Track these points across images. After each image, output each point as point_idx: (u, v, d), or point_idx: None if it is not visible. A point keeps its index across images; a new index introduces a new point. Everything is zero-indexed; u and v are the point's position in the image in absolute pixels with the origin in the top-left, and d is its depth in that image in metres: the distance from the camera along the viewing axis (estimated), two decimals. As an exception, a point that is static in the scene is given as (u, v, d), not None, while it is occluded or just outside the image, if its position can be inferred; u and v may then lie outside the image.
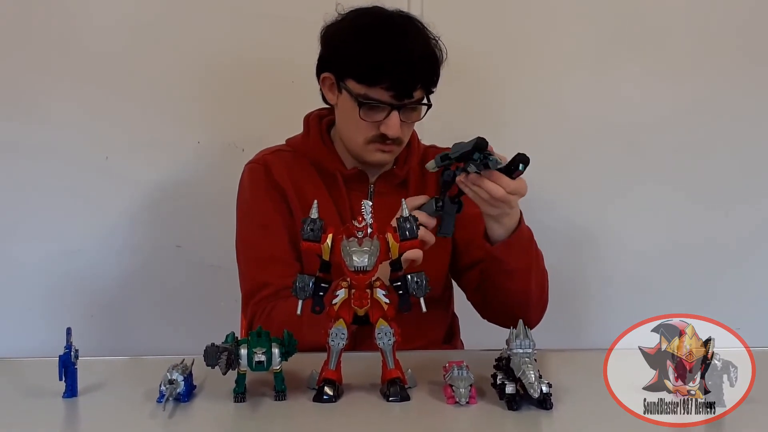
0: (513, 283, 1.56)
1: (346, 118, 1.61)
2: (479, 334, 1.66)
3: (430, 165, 1.46)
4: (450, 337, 1.77)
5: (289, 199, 1.64)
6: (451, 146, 1.43)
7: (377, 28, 1.55)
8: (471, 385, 1.21)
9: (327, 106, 1.70)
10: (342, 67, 1.58)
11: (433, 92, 1.59)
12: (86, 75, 2.14)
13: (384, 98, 1.53)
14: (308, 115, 1.72)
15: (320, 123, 1.70)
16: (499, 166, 1.39)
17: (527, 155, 1.39)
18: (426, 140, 1.78)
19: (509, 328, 1.24)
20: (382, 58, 1.51)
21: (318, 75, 1.64)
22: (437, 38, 1.59)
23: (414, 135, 1.71)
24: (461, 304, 1.76)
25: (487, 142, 1.39)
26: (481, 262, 1.61)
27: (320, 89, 1.66)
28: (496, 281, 1.58)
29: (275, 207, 1.65)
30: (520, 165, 1.39)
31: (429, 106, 1.59)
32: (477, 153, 1.38)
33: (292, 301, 1.26)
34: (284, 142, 1.74)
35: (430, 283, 1.24)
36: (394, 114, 1.55)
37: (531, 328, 1.23)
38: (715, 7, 2.22)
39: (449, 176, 1.44)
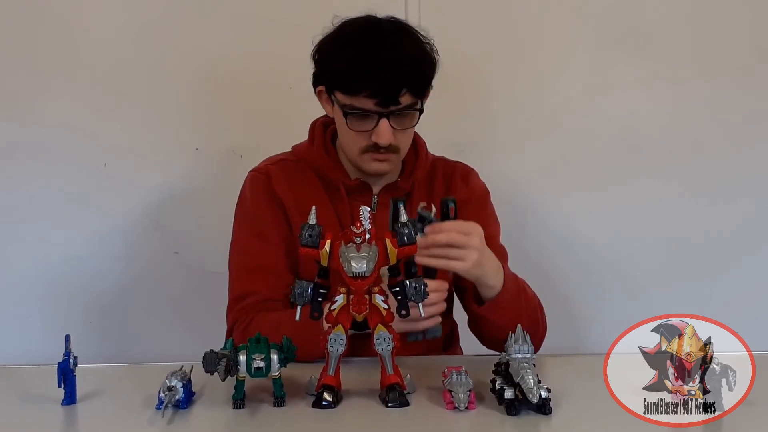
0: (503, 334, 1.53)
1: (341, 129, 1.59)
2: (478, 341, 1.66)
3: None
4: (449, 343, 1.77)
5: (288, 212, 1.62)
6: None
7: (359, 37, 1.51)
8: (470, 391, 1.22)
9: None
10: (329, 80, 1.56)
11: (425, 96, 1.56)
12: (86, 80, 2.15)
13: (368, 106, 1.50)
14: (314, 122, 1.70)
15: (325, 132, 1.67)
16: (432, 217, 1.39)
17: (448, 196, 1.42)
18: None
19: None
20: (360, 67, 1.47)
21: (314, 89, 1.62)
22: (430, 42, 1.55)
23: (422, 146, 1.69)
24: (460, 310, 1.75)
25: (402, 200, 1.34)
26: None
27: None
28: (486, 330, 1.56)
29: (273, 218, 1.63)
30: (450, 203, 1.41)
31: (420, 111, 1.55)
32: (399, 203, 1.30)
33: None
34: (290, 149, 1.72)
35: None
36: (383, 122, 1.51)
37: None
38: (708, 4, 2.22)
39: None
